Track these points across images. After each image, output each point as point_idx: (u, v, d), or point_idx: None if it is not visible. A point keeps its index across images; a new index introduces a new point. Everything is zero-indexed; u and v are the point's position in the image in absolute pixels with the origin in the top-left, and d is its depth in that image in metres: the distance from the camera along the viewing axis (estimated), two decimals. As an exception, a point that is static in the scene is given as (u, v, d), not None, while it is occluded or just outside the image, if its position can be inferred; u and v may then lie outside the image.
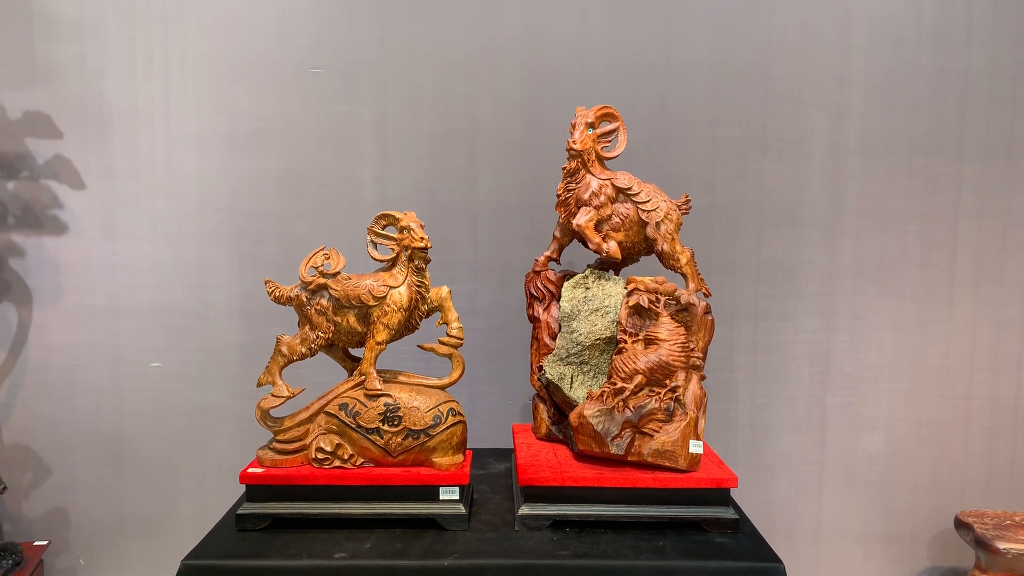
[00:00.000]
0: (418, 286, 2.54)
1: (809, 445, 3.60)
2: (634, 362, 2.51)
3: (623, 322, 2.63)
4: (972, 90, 3.45)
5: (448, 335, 2.60)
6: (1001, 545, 3.10)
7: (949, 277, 3.53)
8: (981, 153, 3.47)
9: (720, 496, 2.47)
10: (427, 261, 2.55)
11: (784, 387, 3.57)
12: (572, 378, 2.73)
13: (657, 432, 2.47)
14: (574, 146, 2.71)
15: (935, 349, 3.56)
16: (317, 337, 2.52)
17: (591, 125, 2.74)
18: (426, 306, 2.59)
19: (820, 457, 3.60)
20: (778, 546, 3.51)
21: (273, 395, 2.52)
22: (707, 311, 2.69)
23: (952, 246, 3.51)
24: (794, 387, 3.57)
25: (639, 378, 2.49)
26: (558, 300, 2.84)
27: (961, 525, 3.32)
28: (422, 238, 2.50)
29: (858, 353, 3.56)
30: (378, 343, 2.52)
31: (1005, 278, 3.52)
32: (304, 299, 2.51)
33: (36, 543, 3.38)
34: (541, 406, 2.89)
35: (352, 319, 2.52)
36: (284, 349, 2.53)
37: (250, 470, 2.48)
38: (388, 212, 2.55)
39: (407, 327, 2.59)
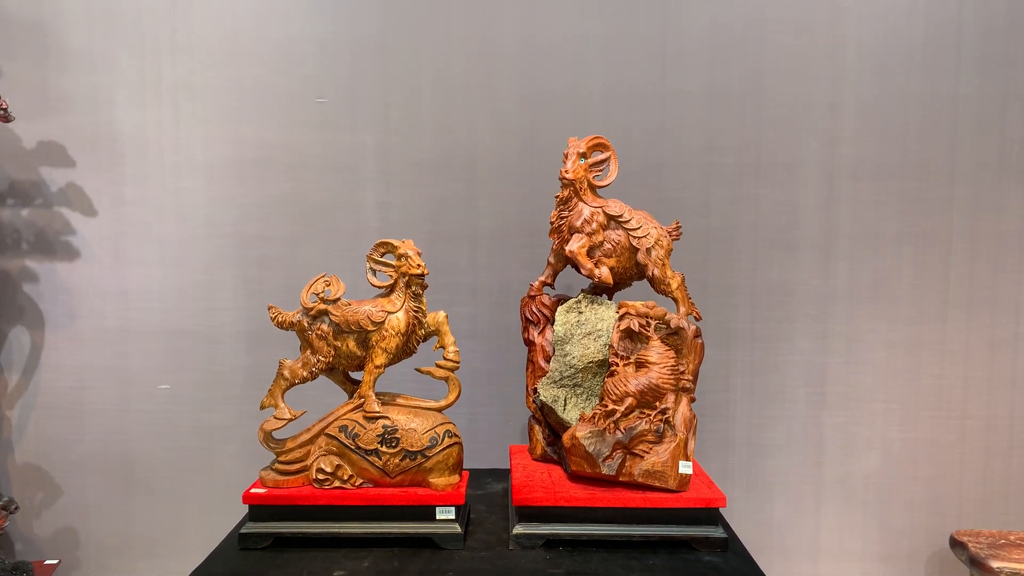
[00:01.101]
0: (415, 311, 2.60)
1: (806, 465, 3.63)
2: (625, 385, 2.57)
3: (615, 345, 2.69)
4: (962, 115, 3.50)
5: (445, 358, 2.66)
6: (995, 564, 3.10)
7: (942, 298, 3.57)
8: (972, 176, 3.52)
9: (709, 515, 2.52)
10: (424, 287, 2.61)
11: (781, 408, 3.61)
12: (565, 400, 2.79)
13: (647, 453, 2.53)
14: (566, 175, 2.78)
15: (930, 369, 3.59)
16: (318, 361, 2.59)
17: (583, 155, 2.80)
18: (423, 330, 2.65)
19: (817, 477, 3.63)
20: (776, 565, 3.59)
21: (275, 417, 2.58)
22: (697, 334, 2.75)
23: (945, 268, 3.56)
24: (790, 408, 3.61)
25: (630, 400, 2.55)
26: (552, 324, 2.89)
27: (956, 544, 3.34)
28: (419, 265, 2.57)
29: (853, 374, 3.59)
30: (377, 367, 2.59)
31: (998, 299, 3.56)
32: (305, 324, 2.58)
33: (47, 562, 3.41)
34: (536, 427, 2.95)
35: (352, 343, 2.59)
36: (286, 373, 2.60)
37: (253, 490, 2.54)
38: (386, 240, 2.62)
39: (405, 351, 2.65)
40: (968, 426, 3.61)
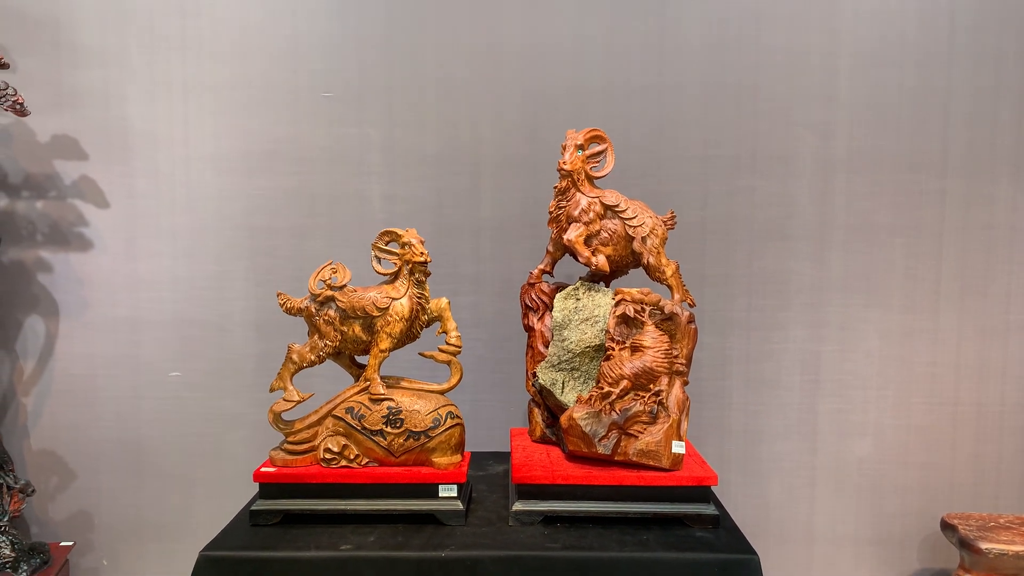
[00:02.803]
0: (419, 297, 2.69)
1: (801, 451, 3.70)
2: (620, 368, 2.66)
3: (611, 331, 2.78)
4: (954, 109, 3.56)
5: (447, 343, 2.75)
6: (983, 545, 3.17)
7: (934, 288, 3.63)
8: (964, 169, 3.58)
9: (701, 493, 2.60)
10: (427, 274, 2.70)
11: (776, 394, 3.68)
12: (563, 383, 2.88)
13: (642, 433, 2.61)
14: (564, 166, 2.86)
15: (922, 357, 3.66)
16: (325, 345, 2.68)
17: (580, 147, 2.88)
18: (426, 316, 2.74)
19: (811, 462, 3.70)
20: (771, 548, 3.67)
21: (285, 399, 2.67)
22: (691, 320, 2.83)
23: (937, 258, 3.62)
24: (785, 394, 3.68)
25: (625, 383, 2.63)
26: (551, 310, 2.98)
27: (947, 527, 3.40)
28: (422, 253, 2.65)
29: (847, 362, 3.66)
30: (382, 351, 2.68)
31: (988, 289, 3.63)
32: (313, 310, 2.67)
33: (62, 543, 3.51)
34: (536, 410, 3.04)
35: (358, 328, 2.68)
36: (295, 357, 2.69)
37: (263, 469, 2.63)
38: (391, 229, 2.70)
39: (409, 336, 2.74)
40: (959, 413, 3.68)
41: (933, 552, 3.71)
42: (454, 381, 2.77)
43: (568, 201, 2.91)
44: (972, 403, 3.68)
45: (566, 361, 2.89)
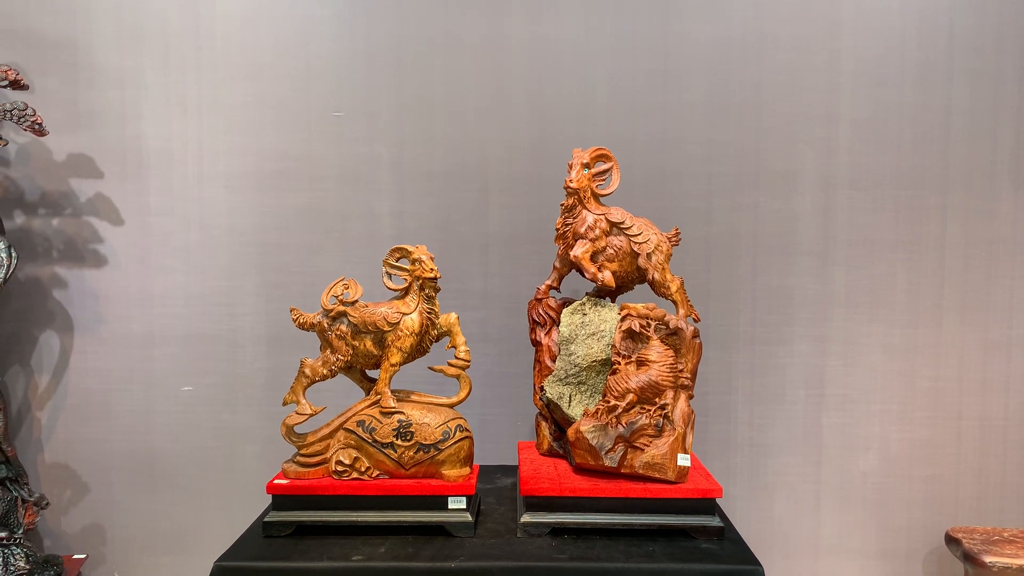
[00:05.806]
0: (429, 313, 2.74)
1: (806, 465, 3.73)
2: (626, 382, 2.69)
3: (617, 345, 2.81)
4: (954, 126, 3.61)
5: (456, 357, 2.79)
6: (988, 559, 3.19)
7: (937, 303, 3.67)
8: (964, 185, 3.62)
9: (706, 505, 2.63)
10: (437, 290, 2.75)
11: (781, 409, 3.71)
12: (570, 397, 2.92)
13: (648, 446, 2.65)
14: (571, 184, 2.91)
15: (925, 372, 3.69)
16: (337, 360, 2.73)
17: (587, 165, 2.93)
18: (436, 331, 2.79)
19: (817, 476, 3.73)
20: (777, 562, 3.69)
21: (297, 413, 2.71)
22: (695, 335, 2.87)
23: (939, 273, 3.66)
24: (790, 409, 3.71)
25: (631, 396, 2.67)
26: (558, 325, 3.02)
27: (951, 540, 3.42)
28: (432, 269, 2.70)
29: (851, 376, 3.69)
30: (392, 365, 2.72)
31: (990, 303, 3.66)
32: (326, 325, 2.72)
33: (75, 556, 3.55)
34: (543, 424, 3.07)
35: (369, 343, 2.73)
36: (307, 371, 2.74)
37: (276, 481, 2.67)
38: (401, 246, 2.76)
39: (419, 350, 2.78)
40: (963, 426, 3.70)
41: (938, 566, 3.73)
42: (463, 395, 2.82)
43: (574, 218, 2.96)
44: (976, 417, 3.71)
45: (573, 375, 2.93)
